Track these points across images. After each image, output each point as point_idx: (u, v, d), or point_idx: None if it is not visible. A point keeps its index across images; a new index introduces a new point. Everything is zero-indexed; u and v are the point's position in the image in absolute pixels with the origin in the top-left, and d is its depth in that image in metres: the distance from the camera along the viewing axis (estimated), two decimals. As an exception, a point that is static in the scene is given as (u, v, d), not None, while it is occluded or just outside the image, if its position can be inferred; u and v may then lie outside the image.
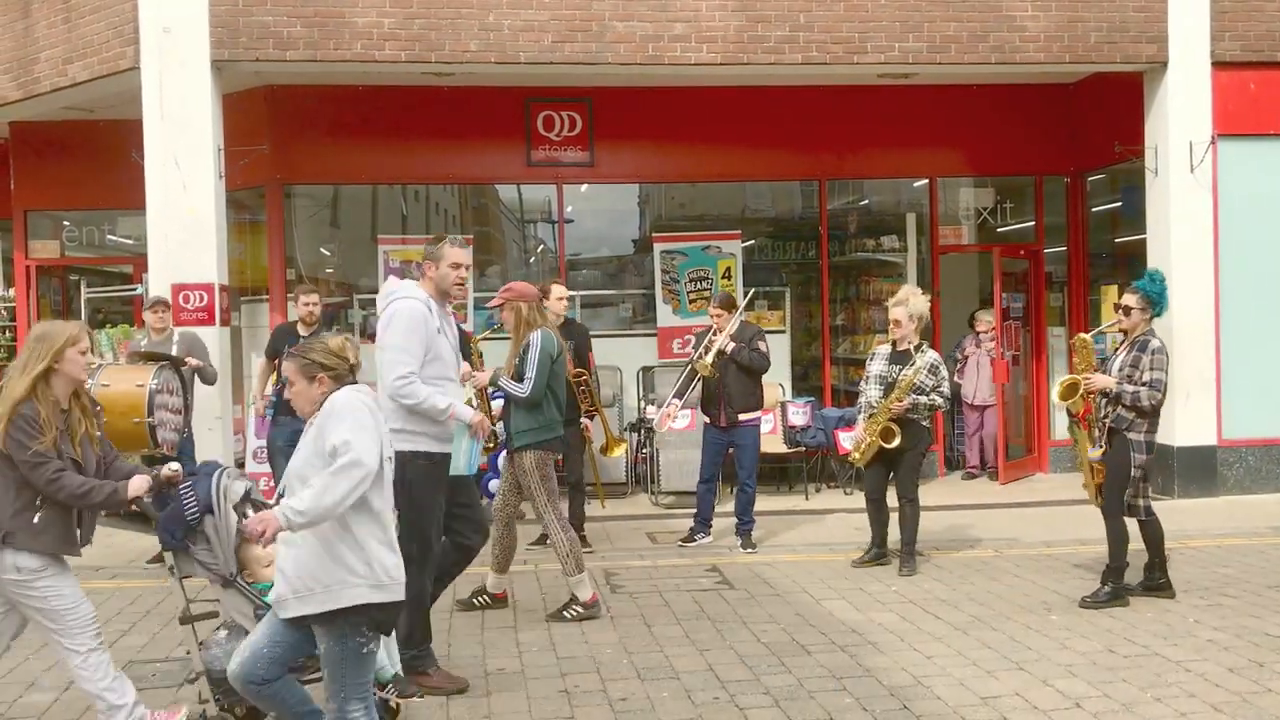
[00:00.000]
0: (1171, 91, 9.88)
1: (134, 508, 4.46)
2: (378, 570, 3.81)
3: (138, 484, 4.41)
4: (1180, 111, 9.89)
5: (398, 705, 4.56)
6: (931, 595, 6.80)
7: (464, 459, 5.24)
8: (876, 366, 7.55)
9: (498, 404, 7.27)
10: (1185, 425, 9.90)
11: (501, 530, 6.56)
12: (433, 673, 5.24)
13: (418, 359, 5.05)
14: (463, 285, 5.45)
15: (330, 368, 3.98)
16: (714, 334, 8.27)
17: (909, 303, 7.45)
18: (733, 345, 8.04)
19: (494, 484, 9.59)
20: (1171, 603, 6.48)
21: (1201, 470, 9.93)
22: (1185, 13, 9.79)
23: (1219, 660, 5.42)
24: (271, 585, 4.29)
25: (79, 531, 4.51)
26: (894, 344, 7.54)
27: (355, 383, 4.03)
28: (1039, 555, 7.86)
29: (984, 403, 11.18)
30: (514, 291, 6.53)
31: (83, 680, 4.46)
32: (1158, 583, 6.62)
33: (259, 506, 4.46)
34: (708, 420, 8.32)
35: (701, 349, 8.19)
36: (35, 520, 4.30)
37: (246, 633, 4.35)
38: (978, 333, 11.25)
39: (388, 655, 4.56)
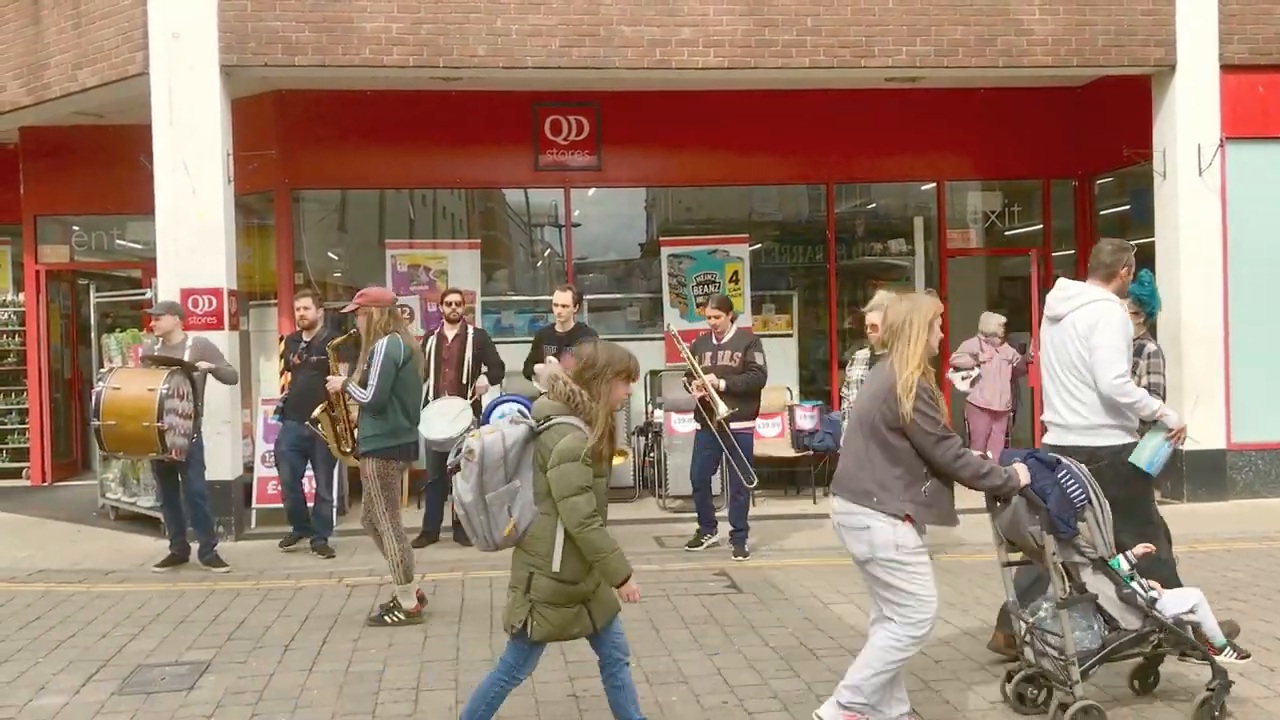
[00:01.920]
0: (1179, 95, 9.87)
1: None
2: None
3: (1024, 473, 4.49)
4: (1188, 115, 9.88)
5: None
6: (940, 599, 6.77)
7: (1146, 454, 5.38)
8: (857, 371, 7.64)
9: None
10: (1194, 429, 9.73)
11: (377, 540, 6.61)
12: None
13: (1127, 359, 5.36)
14: None
15: None
16: (713, 338, 8.24)
17: (884, 307, 7.50)
18: (724, 384, 8.01)
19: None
20: (1181, 607, 6.45)
21: (1211, 474, 9.91)
22: (1193, 15, 9.78)
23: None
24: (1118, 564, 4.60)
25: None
26: (872, 349, 7.60)
27: None
28: (1048, 559, 7.83)
29: (1005, 407, 10.98)
30: (367, 297, 6.58)
31: (869, 667, 4.34)
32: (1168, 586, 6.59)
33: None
34: (699, 426, 8.30)
35: (700, 387, 8.06)
36: (924, 491, 4.29)
37: (1098, 609, 4.61)
38: (985, 335, 11.06)
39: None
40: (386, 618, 6.44)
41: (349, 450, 7.39)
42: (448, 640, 6.11)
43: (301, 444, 8.43)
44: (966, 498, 10.18)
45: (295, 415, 8.32)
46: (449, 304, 8.96)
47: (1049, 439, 5.54)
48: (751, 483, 8.07)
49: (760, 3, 9.41)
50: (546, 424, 4.14)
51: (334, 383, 7.01)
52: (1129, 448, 5.36)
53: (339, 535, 8.85)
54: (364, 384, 6.39)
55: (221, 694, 5.31)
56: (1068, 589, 4.60)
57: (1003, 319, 11.02)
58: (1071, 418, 5.44)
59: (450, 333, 8.88)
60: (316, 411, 7.49)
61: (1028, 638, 4.78)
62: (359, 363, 6.56)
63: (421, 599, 6.65)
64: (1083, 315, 5.38)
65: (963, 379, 10.87)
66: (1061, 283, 5.65)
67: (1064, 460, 4.62)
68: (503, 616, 4.26)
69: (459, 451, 4.19)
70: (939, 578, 7.23)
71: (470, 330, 8.98)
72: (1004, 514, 4.63)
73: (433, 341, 8.89)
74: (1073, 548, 4.56)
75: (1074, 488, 4.50)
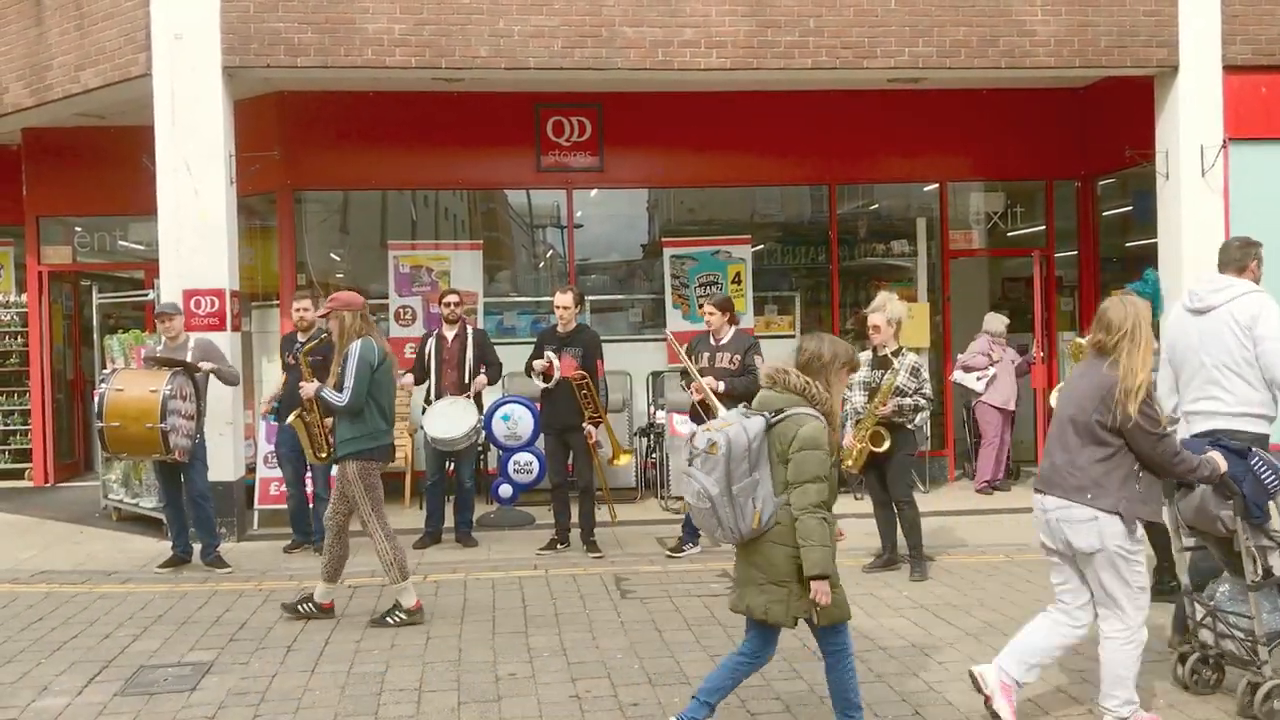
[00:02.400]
0: (1182, 95, 9.85)
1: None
2: None
3: (1221, 461, 4.70)
4: (1191, 115, 9.86)
5: None
6: (943, 600, 6.79)
7: None
8: (859, 373, 7.59)
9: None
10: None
11: (332, 539, 6.60)
12: None
13: None
14: None
15: None
16: (711, 339, 8.21)
17: (887, 308, 7.56)
18: (724, 386, 7.96)
19: (504, 489, 9.61)
20: (1184, 608, 6.45)
21: (1213, 475, 9.87)
22: (1196, 16, 9.76)
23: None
24: None
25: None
26: (874, 350, 7.60)
27: None
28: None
29: (1015, 407, 10.94)
30: (339, 301, 6.59)
31: (1123, 672, 4.52)
32: (1169, 586, 6.58)
33: None
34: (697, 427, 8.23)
35: (699, 388, 8.02)
36: (1138, 488, 4.46)
37: None
38: (993, 335, 10.97)
39: None
40: (389, 618, 6.44)
41: (325, 455, 7.38)
42: (450, 641, 6.11)
43: (298, 444, 8.48)
44: (978, 500, 10.05)
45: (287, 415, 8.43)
46: (447, 304, 8.96)
47: (1195, 427, 5.61)
48: None
49: (762, 4, 9.40)
50: (781, 415, 4.22)
51: (307, 389, 7.02)
52: (1264, 439, 5.46)
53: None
54: (339, 388, 6.39)
55: (224, 695, 5.31)
56: (1259, 572, 4.74)
57: (1006, 319, 11.02)
58: (1212, 405, 5.56)
59: (450, 333, 8.89)
60: (290, 418, 7.49)
61: (1206, 621, 4.94)
62: (334, 366, 6.57)
63: (330, 609, 6.67)
64: (1241, 306, 5.51)
65: (977, 379, 10.79)
66: (1209, 275, 5.81)
67: (1254, 449, 4.85)
68: (770, 615, 4.33)
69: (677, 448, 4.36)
70: (939, 579, 7.28)
71: (470, 330, 8.99)
72: (1188, 500, 4.82)
73: (432, 342, 8.90)
74: (1262, 532, 4.76)
75: (1268, 474, 4.74)
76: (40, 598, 7.30)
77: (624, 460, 8.93)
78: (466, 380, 8.77)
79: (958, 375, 10.96)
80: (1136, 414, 4.32)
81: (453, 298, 9.01)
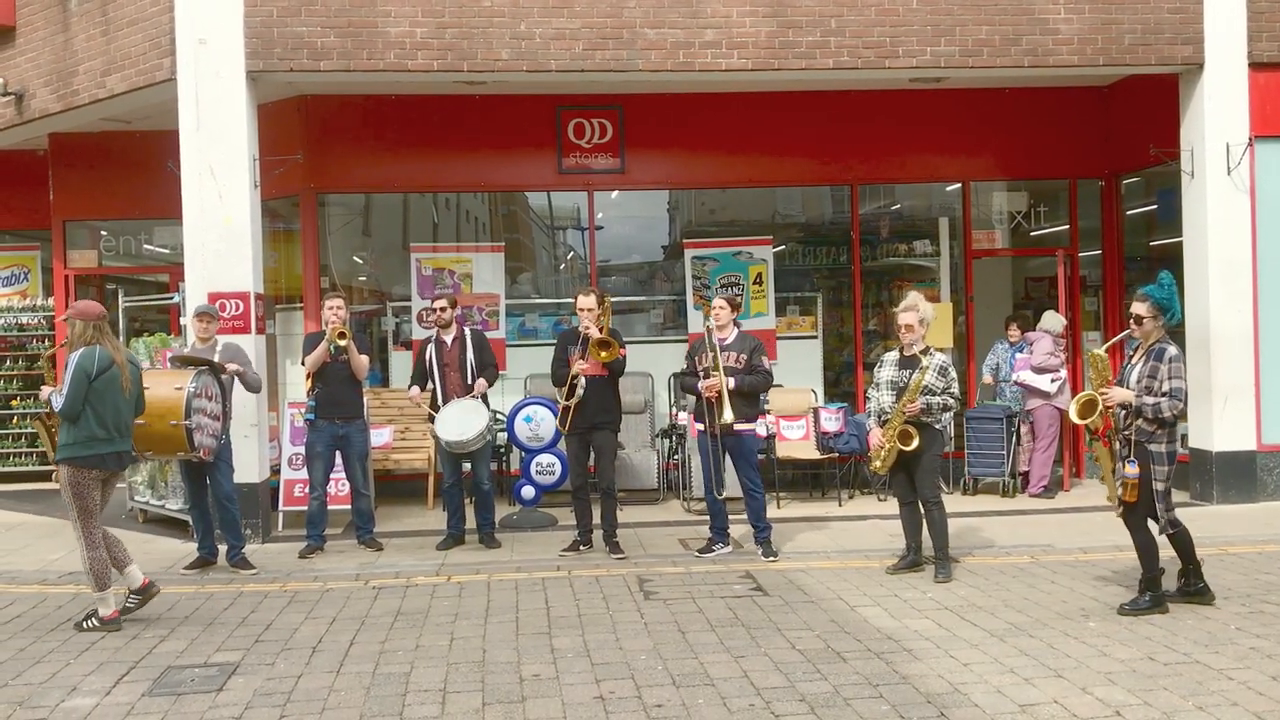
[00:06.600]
0: (1208, 93, 9.78)
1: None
2: None
3: None
4: (1216, 113, 9.79)
5: None
6: (967, 602, 6.75)
7: None
8: (886, 373, 7.58)
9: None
10: (1224, 430, 9.78)
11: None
12: None
13: None
14: None
15: None
16: (709, 335, 8.19)
17: (919, 308, 7.51)
18: (734, 383, 7.98)
19: (526, 490, 9.63)
20: (1212, 610, 6.40)
21: (1241, 476, 9.80)
22: (1221, 13, 9.68)
23: (1262, 668, 5.35)
24: None
25: None
26: (901, 350, 7.57)
27: None
28: (1075, 561, 7.79)
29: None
30: (75, 310, 6.77)
31: None
32: (1196, 588, 6.54)
33: None
34: (701, 428, 8.26)
35: (709, 382, 8.05)
36: None
37: None
38: (1055, 335, 10.78)
39: None
40: (84, 623, 6.53)
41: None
42: (474, 642, 6.13)
43: (335, 444, 8.56)
44: (1000, 502, 9.97)
45: (327, 416, 8.58)
46: (435, 310, 8.93)
47: None
48: (759, 492, 8.10)
49: (783, 4, 9.39)
50: None
51: (44, 392, 7.14)
52: None
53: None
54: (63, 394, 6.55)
55: (250, 695, 5.34)
56: None
57: (1064, 319, 10.84)
58: None
59: (448, 337, 8.86)
60: (31, 421, 7.52)
61: None
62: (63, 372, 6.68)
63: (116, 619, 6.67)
64: None
65: (1051, 380, 10.58)
66: None
67: None
68: None
69: None
70: (963, 580, 7.24)
71: (468, 331, 8.97)
72: None
73: (431, 348, 8.86)
74: None
75: None
76: (69, 598, 7.36)
77: (606, 355, 8.47)
78: (470, 381, 8.76)
79: (1027, 376, 10.67)
80: None
81: (441, 303, 8.94)
